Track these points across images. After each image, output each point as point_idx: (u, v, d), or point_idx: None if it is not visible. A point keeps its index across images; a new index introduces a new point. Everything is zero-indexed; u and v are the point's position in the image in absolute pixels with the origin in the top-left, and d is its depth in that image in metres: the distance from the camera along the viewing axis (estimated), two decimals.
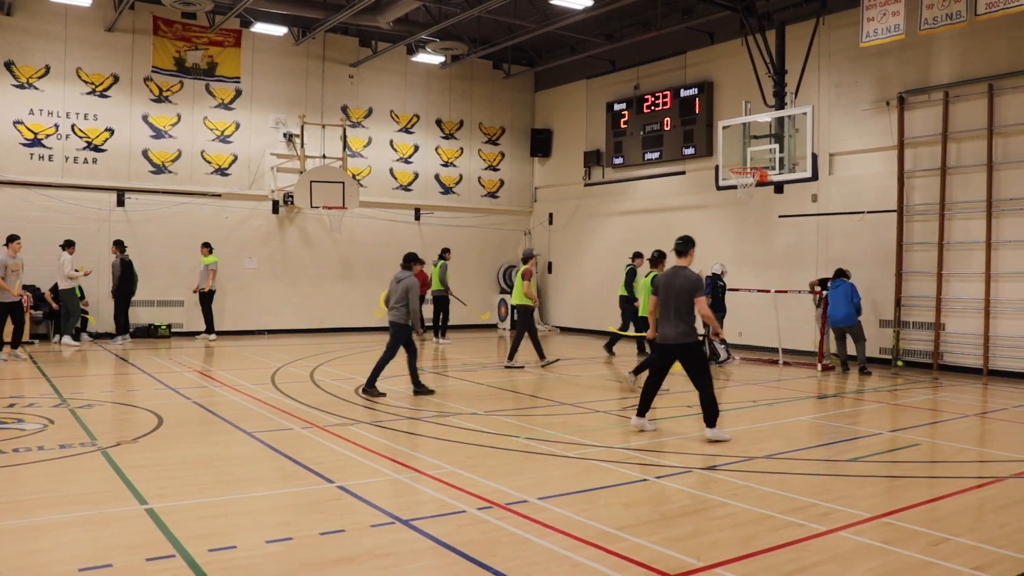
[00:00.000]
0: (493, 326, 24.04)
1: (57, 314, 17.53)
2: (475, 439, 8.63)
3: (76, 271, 17.17)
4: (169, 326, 19.26)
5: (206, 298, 18.74)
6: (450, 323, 19.98)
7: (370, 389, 11.23)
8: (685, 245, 9.11)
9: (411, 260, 11.65)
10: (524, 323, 14.78)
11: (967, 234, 14.78)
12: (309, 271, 21.23)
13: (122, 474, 6.90)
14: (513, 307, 15.49)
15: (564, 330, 23.29)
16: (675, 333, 8.83)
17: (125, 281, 17.79)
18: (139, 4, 18.82)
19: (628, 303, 16.57)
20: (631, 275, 16.69)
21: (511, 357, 14.74)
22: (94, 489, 6.50)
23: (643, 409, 9.14)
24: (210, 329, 18.78)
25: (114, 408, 10.13)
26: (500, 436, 8.80)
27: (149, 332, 18.99)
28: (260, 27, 19.31)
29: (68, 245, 17.33)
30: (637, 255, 17.08)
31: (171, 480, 6.83)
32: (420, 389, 11.47)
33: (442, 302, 19.00)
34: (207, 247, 18.82)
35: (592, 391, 12.05)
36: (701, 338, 9.64)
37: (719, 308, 15.45)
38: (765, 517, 5.99)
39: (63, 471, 7.07)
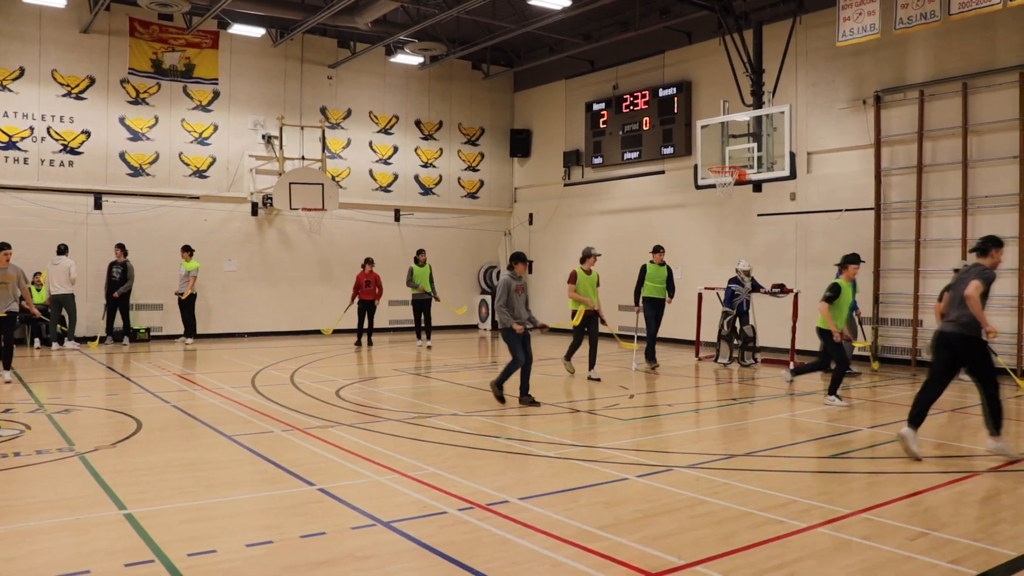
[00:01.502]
0: (474, 326, 24.03)
1: (33, 320, 17.35)
2: (456, 440, 8.62)
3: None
4: (148, 330, 19.13)
5: (187, 302, 18.62)
6: (433, 323, 19.87)
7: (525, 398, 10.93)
8: (985, 244, 8.13)
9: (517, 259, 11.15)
10: (596, 329, 13.55)
11: (943, 231, 14.91)
12: (289, 273, 21.16)
13: (100, 479, 6.84)
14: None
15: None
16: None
17: (123, 283, 18.30)
18: (115, 5, 18.68)
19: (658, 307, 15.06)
20: (671, 273, 15.15)
21: (592, 366, 13.52)
22: (72, 495, 6.44)
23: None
24: (189, 333, 18.65)
25: (92, 413, 10.05)
26: (481, 437, 8.80)
27: (122, 336, 18.83)
28: (238, 28, 19.21)
29: (66, 250, 17.69)
30: (659, 248, 15.16)
31: (150, 485, 6.78)
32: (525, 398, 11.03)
33: (425, 304, 18.80)
34: (188, 251, 18.68)
35: (572, 391, 12.06)
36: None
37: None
38: (745, 514, 6.01)
39: (40, 477, 7.00)
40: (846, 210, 16.32)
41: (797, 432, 9.41)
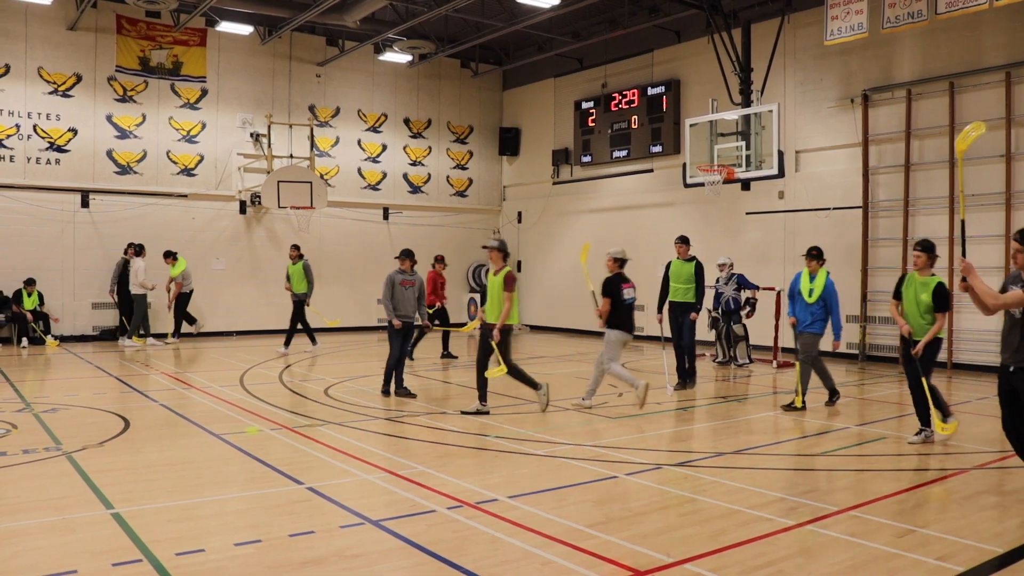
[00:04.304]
0: (461, 324, 24.01)
1: (20, 318, 17.29)
2: (445, 438, 8.62)
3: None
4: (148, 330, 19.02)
5: (180, 301, 18.64)
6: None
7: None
8: None
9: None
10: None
11: (931, 230, 14.97)
12: (278, 271, 21.06)
13: (88, 479, 6.81)
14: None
15: (534, 328, 23.32)
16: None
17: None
18: (102, 3, 18.57)
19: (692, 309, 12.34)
20: (700, 270, 12.36)
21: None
22: (59, 494, 6.41)
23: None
24: (176, 331, 18.66)
25: (80, 412, 10.00)
26: (470, 435, 8.80)
27: (115, 334, 18.76)
28: (226, 26, 19.13)
29: (141, 251, 17.99)
30: (684, 239, 12.68)
31: (138, 484, 6.76)
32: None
33: (297, 306, 16.64)
34: (172, 256, 18.58)
35: (561, 389, 12.06)
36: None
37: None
38: (734, 512, 6.03)
39: (27, 476, 6.96)
40: (834, 208, 16.37)
41: (785, 430, 9.44)
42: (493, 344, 9.97)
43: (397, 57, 21.50)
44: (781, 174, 15.31)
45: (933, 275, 8.59)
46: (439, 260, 16.50)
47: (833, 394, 10.84)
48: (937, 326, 8.39)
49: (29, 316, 17.33)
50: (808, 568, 4.93)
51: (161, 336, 18.44)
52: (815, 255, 10.67)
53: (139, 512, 5.93)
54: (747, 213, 17.94)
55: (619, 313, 10.44)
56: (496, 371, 9.96)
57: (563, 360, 15.94)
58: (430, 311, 15.21)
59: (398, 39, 20.30)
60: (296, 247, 17.12)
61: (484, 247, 10.67)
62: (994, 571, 4.96)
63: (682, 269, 12.19)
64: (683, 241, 12.47)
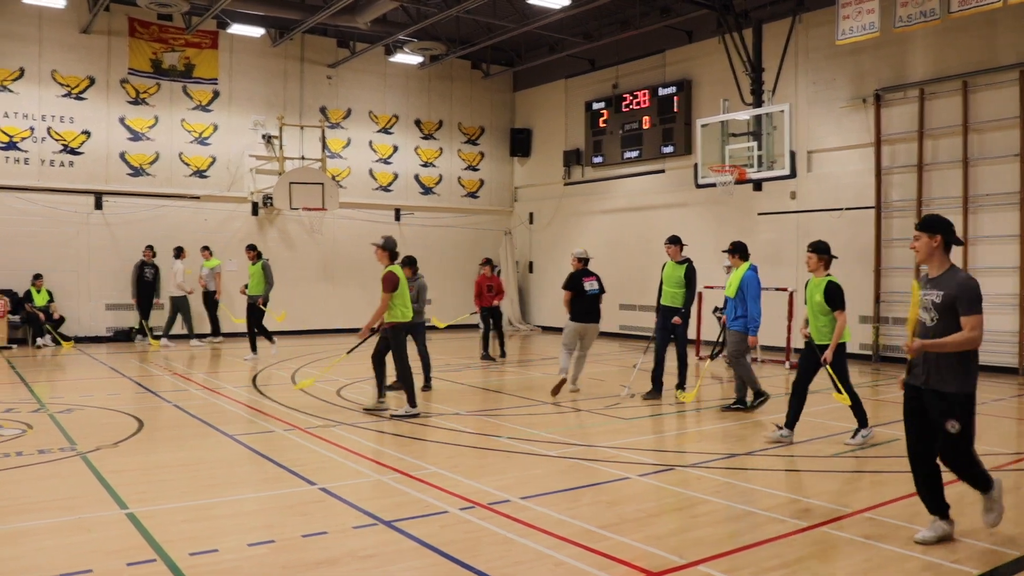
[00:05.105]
0: (476, 327, 24.02)
1: (34, 318, 17.40)
2: (457, 439, 8.63)
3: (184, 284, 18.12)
4: (151, 329, 19.09)
5: (213, 301, 18.75)
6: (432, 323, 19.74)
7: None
8: None
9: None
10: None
11: None
12: (290, 273, 21.11)
13: (102, 479, 6.84)
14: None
15: (546, 329, 23.31)
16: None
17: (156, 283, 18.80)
18: (114, 6, 18.66)
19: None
20: (690, 274, 11.43)
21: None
22: (74, 494, 6.44)
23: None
24: (215, 331, 18.84)
25: (94, 412, 10.04)
26: (482, 436, 8.80)
27: (129, 336, 18.85)
28: (237, 28, 19.19)
29: (180, 253, 18.27)
30: (674, 240, 11.61)
31: (152, 484, 6.78)
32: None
33: (253, 309, 16.07)
34: (208, 250, 18.88)
35: (574, 391, 12.04)
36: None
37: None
38: (747, 514, 6.02)
39: (42, 477, 7.00)
40: (847, 209, 16.31)
41: (798, 432, 9.39)
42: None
43: (408, 59, 21.53)
44: (793, 174, 15.26)
45: (828, 275, 8.58)
46: (485, 263, 16.80)
47: (758, 396, 10.40)
48: (839, 328, 8.30)
49: (42, 316, 17.44)
50: (823, 570, 4.92)
51: (203, 336, 18.74)
52: (730, 250, 10.61)
53: (153, 512, 5.95)
54: (759, 214, 17.88)
55: (576, 305, 11.51)
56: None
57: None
58: (472, 313, 16.92)
59: (409, 40, 20.32)
60: (252, 247, 16.34)
61: (372, 244, 10.49)
62: (1011, 575, 4.93)
63: (673, 272, 11.29)
64: (673, 242, 11.38)
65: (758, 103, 15.95)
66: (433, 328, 13.63)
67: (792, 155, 15.00)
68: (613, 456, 7.88)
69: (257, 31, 19.62)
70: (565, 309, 11.63)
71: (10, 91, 17.94)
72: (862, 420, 8.56)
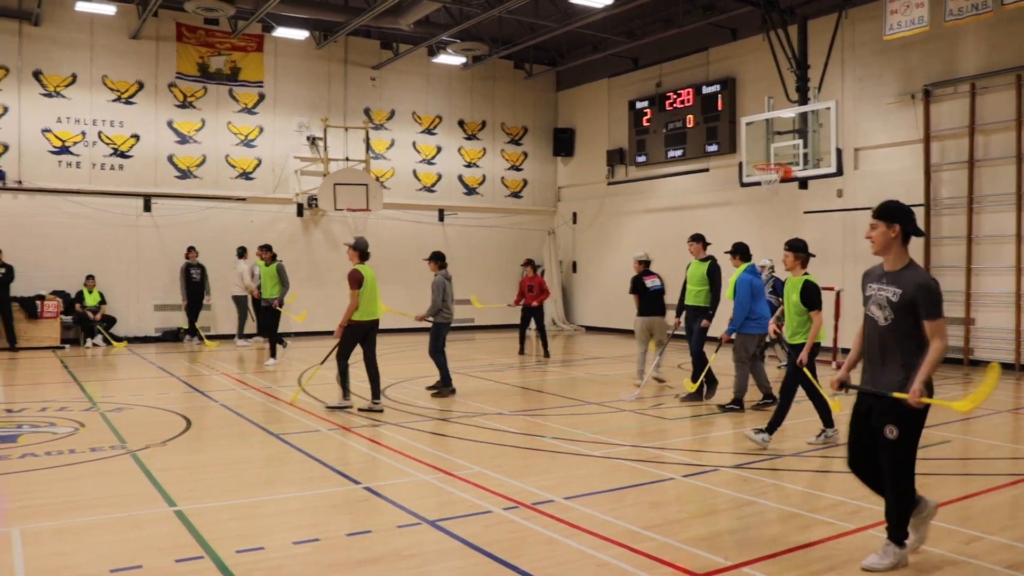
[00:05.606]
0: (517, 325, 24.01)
1: (85, 319, 17.79)
2: (501, 439, 8.63)
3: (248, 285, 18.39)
4: (200, 330, 19.37)
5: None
6: (477, 323, 19.91)
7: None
8: None
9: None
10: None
11: (997, 227, 14.58)
12: (335, 273, 21.26)
13: (151, 476, 6.96)
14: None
15: (589, 329, 23.24)
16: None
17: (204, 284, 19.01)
18: (162, 11, 18.97)
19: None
20: (713, 272, 11.29)
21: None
22: (124, 491, 6.56)
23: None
24: (278, 340, 16.21)
25: (143, 411, 10.22)
26: (526, 436, 8.79)
27: (177, 336, 19.15)
28: (282, 31, 19.41)
29: (243, 253, 18.72)
30: (696, 237, 11.61)
31: (199, 482, 6.88)
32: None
33: (267, 310, 15.71)
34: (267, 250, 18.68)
35: (618, 390, 11.99)
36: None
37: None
38: (793, 516, 5.94)
39: (94, 474, 7.14)
40: None
41: (844, 433, 9.25)
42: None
43: (451, 59, 21.60)
44: (839, 172, 15.04)
45: (805, 274, 8.43)
46: (526, 264, 17.30)
47: (734, 402, 10.36)
48: (814, 328, 8.14)
49: (93, 316, 17.82)
50: (871, 574, 4.82)
51: (250, 336, 19.08)
52: (731, 251, 10.55)
53: (201, 510, 6.04)
54: (805, 212, 17.64)
55: (642, 302, 12.32)
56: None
57: (619, 361, 15.84)
58: (509, 305, 17.83)
59: (452, 41, 20.39)
60: (267, 247, 15.84)
61: (344, 244, 10.84)
62: None
63: (696, 270, 11.21)
64: (695, 239, 11.33)
65: (803, 100, 15.76)
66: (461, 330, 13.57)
67: (838, 152, 14.79)
68: (657, 456, 7.83)
69: (301, 34, 19.83)
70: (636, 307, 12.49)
71: (63, 97, 18.35)
72: (827, 420, 8.41)
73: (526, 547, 5.27)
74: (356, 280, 10.27)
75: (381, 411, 10.18)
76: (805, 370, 8.17)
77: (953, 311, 15.11)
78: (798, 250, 8.47)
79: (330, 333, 11.49)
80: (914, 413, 4.84)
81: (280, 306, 15.40)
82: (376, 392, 10.37)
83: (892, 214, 4.92)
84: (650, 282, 12.36)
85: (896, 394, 4.84)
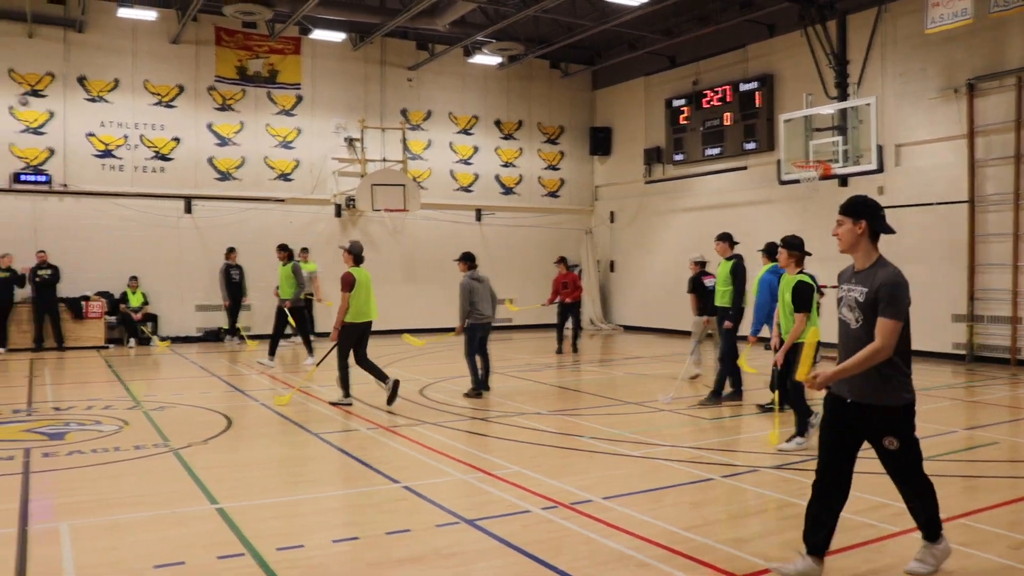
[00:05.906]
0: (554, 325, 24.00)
1: (128, 319, 18.14)
2: (540, 439, 8.62)
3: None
4: (239, 329, 19.58)
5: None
6: (515, 323, 19.88)
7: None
8: None
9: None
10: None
11: None
12: (374, 273, 21.08)
13: (194, 474, 7.05)
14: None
15: (628, 329, 23.15)
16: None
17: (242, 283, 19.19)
18: (202, 16, 19.20)
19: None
20: (736, 271, 11.12)
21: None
22: (167, 489, 6.65)
23: None
24: (309, 349, 15.83)
25: (186, 410, 10.36)
26: (565, 436, 8.78)
27: (218, 336, 19.38)
28: (319, 34, 19.58)
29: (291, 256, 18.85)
30: (722, 236, 11.45)
31: (240, 480, 6.96)
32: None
33: (281, 313, 15.37)
34: (305, 252, 19.39)
35: (658, 390, 11.93)
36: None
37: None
38: None
39: (138, 471, 7.25)
40: (938, 203, 15.75)
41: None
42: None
43: (487, 59, 21.63)
44: (880, 169, 14.83)
45: (800, 272, 8.18)
46: (559, 261, 17.78)
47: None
48: (796, 329, 7.91)
49: (136, 316, 18.14)
50: None
51: (287, 337, 18.97)
52: (763, 249, 10.45)
53: (242, 508, 6.10)
54: None
55: (700, 302, 12.45)
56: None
57: (658, 360, 15.77)
58: (543, 305, 17.99)
59: (488, 41, 20.41)
60: (284, 247, 15.51)
61: (340, 247, 11.09)
62: None
63: (722, 270, 11.02)
64: (722, 238, 11.17)
65: (843, 96, 15.57)
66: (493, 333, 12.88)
67: (879, 149, 14.59)
68: (696, 457, 7.78)
69: (338, 36, 19.98)
70: (691, 308, 12.71)
71: (106, 101, 18.66)
72: (801, 427, 8.19)
73: (565, 547, 5.26)
74: (348, 283, 10.60)
75: (350, 404, 10.60)
76: (775, 369, 8.19)
77: (999, 310, 14.83)
78: (793, 247, 8.24)
79: (375, 333, 11.65)
80: (904, 417, 4.64)
81: (292, 306, 15.07)
82: (382, 376, 10.59)
83: (857, 209, 4.80)
84: (708, 282, 12.50)
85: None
